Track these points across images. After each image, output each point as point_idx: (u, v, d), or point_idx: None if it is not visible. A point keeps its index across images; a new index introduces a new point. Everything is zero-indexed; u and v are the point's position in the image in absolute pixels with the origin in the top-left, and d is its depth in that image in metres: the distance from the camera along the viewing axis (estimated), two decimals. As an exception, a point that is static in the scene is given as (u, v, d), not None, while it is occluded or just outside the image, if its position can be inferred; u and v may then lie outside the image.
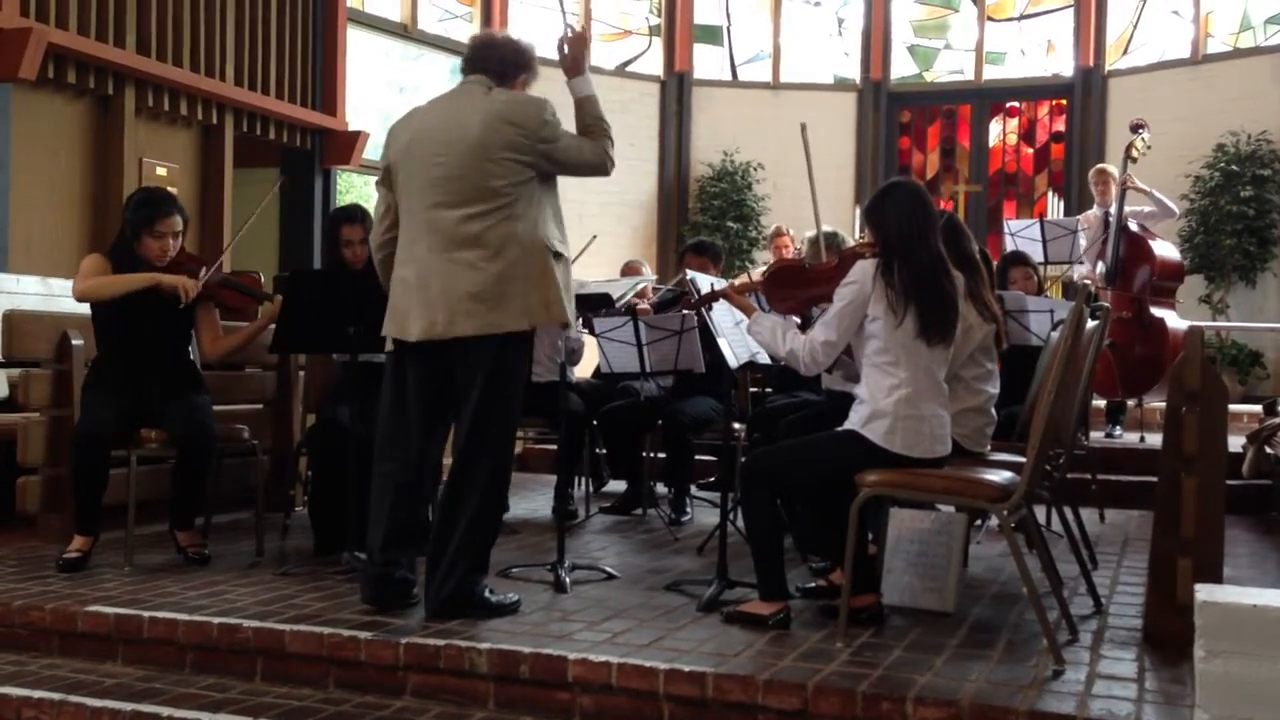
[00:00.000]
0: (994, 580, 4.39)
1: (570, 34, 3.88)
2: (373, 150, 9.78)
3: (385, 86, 10.56)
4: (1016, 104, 12.47)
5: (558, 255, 3.72)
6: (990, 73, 12.52)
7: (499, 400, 3.66)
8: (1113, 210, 7.37)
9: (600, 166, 3.80)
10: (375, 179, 3.94)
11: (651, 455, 6.04)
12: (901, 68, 12.77)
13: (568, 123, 3.78)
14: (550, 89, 3.99)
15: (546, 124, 3.69)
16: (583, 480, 6.14)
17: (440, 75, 10.91)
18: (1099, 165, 8.14)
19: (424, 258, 3.67)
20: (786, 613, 3.57)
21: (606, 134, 3.81)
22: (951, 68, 12.75)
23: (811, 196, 4.09)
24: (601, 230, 8.30)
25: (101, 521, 4.40)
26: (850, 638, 3.41)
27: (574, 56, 3.85)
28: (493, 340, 3.61)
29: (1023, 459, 3.48)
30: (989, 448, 4.07)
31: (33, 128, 7.10)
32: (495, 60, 3.82)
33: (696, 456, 6.03)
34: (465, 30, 11.38)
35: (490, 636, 3.40)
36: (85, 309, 4.60)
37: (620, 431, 5.93)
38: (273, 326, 4.58)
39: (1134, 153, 7.48)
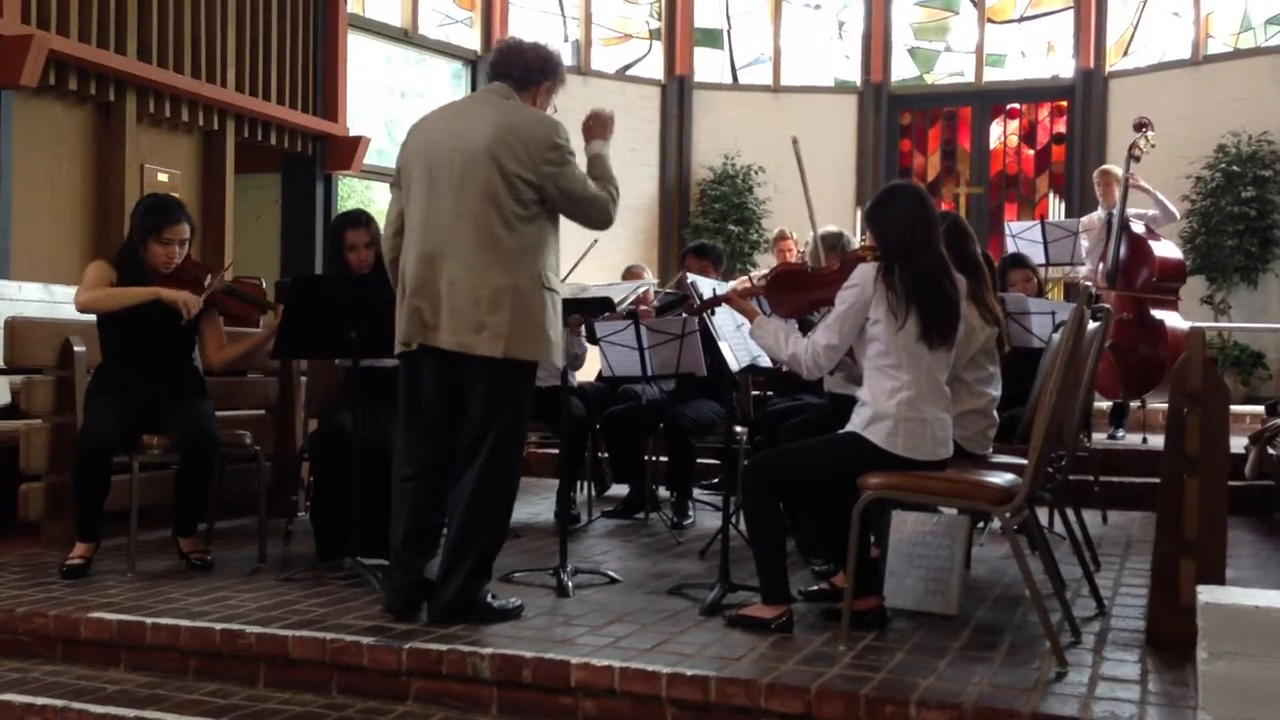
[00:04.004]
0: (997, 582, 4.38)
1: (600, 113, 3.95)
2: (374, 155, 9.80)
3: (386, 91, 10.57)
4: (1017, 106, 12.47)
5: (549, 289, 3.70)
6: (991, 75, 12.51)
7: (499, 418, 3.65)
8: (1115, 211, 7.36)
9: (603, 209, 3.76)
10: (388, 182, 3.94)
11: (653, 459, 6.04)
12: (902, 70, 12.77)
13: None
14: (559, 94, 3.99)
15: (556, 146, 3.64)
16: (585, 484, 6.13)
17: (441, 80, 10.93)
18: (1103, 166, 8.11)
19: (424, 262, 3.65)
20: (789, 616, 3.56)
21: (611, 191, 3.80)
22: (952, 70, 12.75)
23: (807, 206, 4.11)
24: (602, 234, 8.27)
25: (104, 528, 4.40)
26: (853, 641, 3.41)
27: (590, 126, 3.93)
28: (488, 360, 3.60)
29: (1025, 461, 3.47)
30: (991, 450, 4.07)
31: (34, 135, 7.12)
32: (518, 67, 3.79)
33: (699, 460, 6.03)
34: (465, 35, 11.40)
35: (493, 641, 3.40)
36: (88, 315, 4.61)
37: (622, 435, 5.93)
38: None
39: (1137, 151, 7.46)
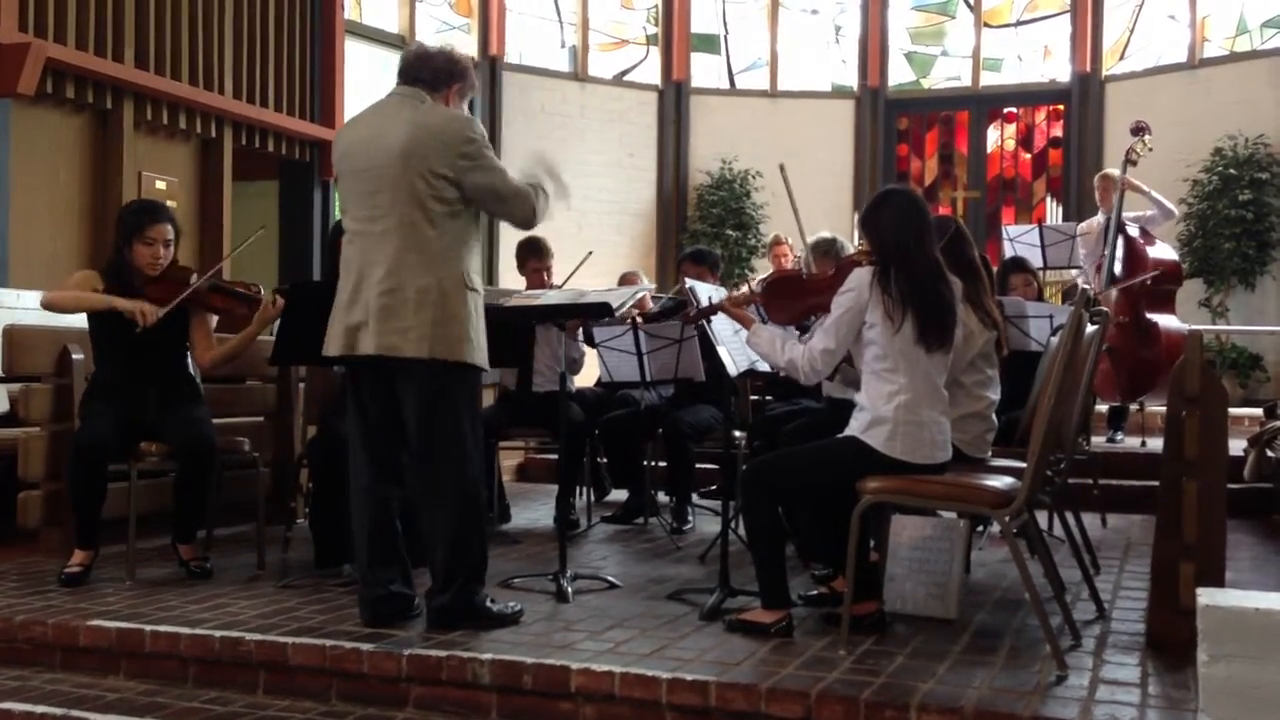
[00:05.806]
0: (996, 586, 4.39)
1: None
2: (371, 162, 9.79)
3: (383, 98, 10.56)
4: (1014, 110, 12.49)
5: (472, 289, 3.68)
6: (987, 79, 12.54)
7: (437, 422, 3.64)
8: (1112, 215, 7.36)
9: (523, 204, 3.72)
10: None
11: (653, 464, 6.04)
12: (899, 75, 12.78)
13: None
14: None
15: (470, 140, 3.65)
16: (584, 490, 6.13)
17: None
18: (1103, 171, 8.11)
19: (349, 271, 3.69)
20: (789, 621, 3.56)
21: (540, 192, 3.77)
22: (949, 74, 12.77)
23: (798, 227, 4.13)
24: (600, 240, 8.33)
25: (102, 535, 4.39)
26: (853, 645, 3.41)
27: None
28: (420, 363, 3.59)
29: (1024, 464, 3.47)
30: (990, 453, 4.07)
31: (32, 142, 7.12)
32: (428, 70, 3.81)
33: (698, 465, 6.03)
34: (463, 41, 11.40)
35: (492, 647, 3.39)
36: (86, 322, 4.60)
37: (621, 440, 5.93)
38: (268, 336, 4.59)
39: (1134, 156, 7.46)
